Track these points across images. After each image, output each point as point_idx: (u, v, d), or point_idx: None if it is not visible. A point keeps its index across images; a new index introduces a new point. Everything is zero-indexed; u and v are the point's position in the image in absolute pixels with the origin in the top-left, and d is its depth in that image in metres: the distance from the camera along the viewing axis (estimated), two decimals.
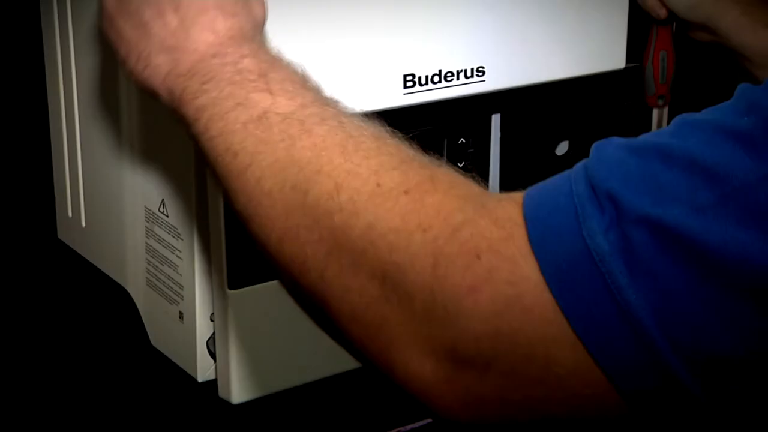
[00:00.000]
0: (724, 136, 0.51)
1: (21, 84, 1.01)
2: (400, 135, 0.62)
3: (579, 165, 0.55)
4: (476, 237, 0.53)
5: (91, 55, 0.90)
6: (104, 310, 0.96)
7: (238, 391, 0.84)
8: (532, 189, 0.56)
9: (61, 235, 1.01)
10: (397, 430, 0.86)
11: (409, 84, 0.82)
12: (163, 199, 0.85)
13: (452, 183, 0.58)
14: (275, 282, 0.82)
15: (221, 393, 0.85)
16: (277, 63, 0.66)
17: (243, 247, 0.80)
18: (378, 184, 0.58)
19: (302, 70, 0.66)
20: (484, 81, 0.86)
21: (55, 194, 1.00)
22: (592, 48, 0.91)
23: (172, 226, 0.84)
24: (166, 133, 0.82)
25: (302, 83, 0.65)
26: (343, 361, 0.87)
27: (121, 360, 0.92)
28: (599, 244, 0.51)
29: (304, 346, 0.86)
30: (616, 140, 0.55)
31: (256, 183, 0.61)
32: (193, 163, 0.80)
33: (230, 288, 0.81)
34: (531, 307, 0.52)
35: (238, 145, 0.62)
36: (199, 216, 0.82)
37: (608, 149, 0.54)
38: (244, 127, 0.62)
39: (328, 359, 0.87)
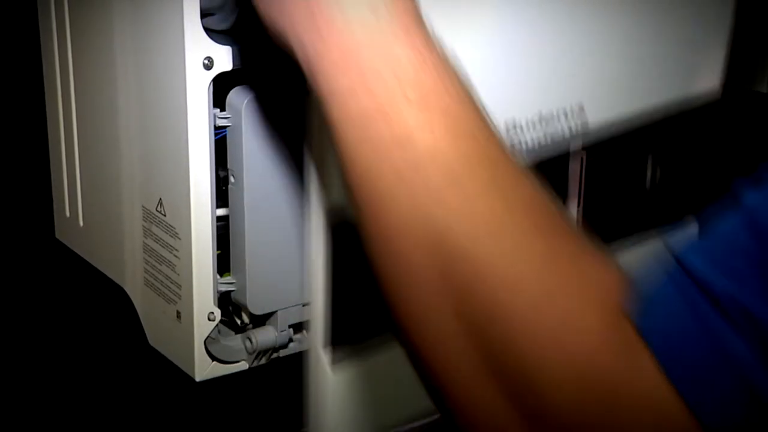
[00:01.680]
0: None
1: (18, 83, 1.00)
2: (546, 189, 0.56)
3: (685, 280, 0.51)
4: (612, 374, 0.51)
5: (88, 54, 0.90)
6: (102, 310, 0.95)
7: None
8: (648, 319, 0.52)
9: (59, 234, 1.01)
10: (395, 429, 0.86)
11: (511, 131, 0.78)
12: (160, 198, 0.85)
13: (589, 284, 0.54)
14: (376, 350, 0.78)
15: None
16: (440, 62, 0.55)
17: (346, 311, 0.75)
18: (531, 295, 0.53)
19: (464, 73, 0.56)
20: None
21: (53, 194, 1.00)
22: (684, 77, 0.89)
23: (169, 225, 0.84)
24: (164, 132, 0.82)
25: (460, 97, 0.55)
26: None
27: (119, 359, 0.92)
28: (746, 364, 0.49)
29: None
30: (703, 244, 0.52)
31: (389, 231, 0.54)
32: (190, 162, 0.80)
33: (333, 363, 0.77)
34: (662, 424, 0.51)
35: (371, 163, 0.54)
36: (197, 214, 0.81)
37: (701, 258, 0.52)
38: (382, 142, 0.53)
39: None
